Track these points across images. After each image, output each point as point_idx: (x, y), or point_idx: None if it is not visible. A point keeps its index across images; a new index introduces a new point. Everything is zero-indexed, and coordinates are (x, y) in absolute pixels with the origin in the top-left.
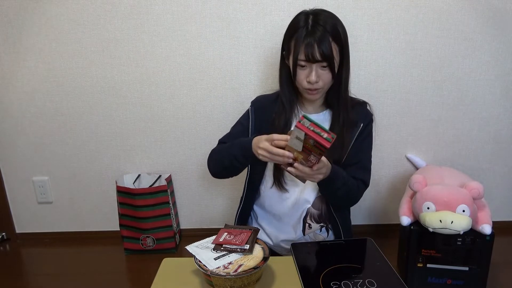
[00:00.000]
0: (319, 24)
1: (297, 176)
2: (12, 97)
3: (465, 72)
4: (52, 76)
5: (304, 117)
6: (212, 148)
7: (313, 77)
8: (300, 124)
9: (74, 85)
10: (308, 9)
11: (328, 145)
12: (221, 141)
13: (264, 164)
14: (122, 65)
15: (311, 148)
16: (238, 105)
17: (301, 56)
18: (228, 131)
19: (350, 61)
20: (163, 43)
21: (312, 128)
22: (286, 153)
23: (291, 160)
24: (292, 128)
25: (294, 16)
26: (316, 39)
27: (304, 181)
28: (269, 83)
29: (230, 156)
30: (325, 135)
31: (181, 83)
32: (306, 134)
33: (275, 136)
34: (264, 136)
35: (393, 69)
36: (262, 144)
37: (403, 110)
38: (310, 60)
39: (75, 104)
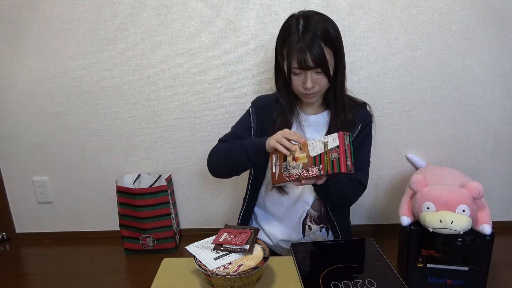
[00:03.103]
0: (309, 30)
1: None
2: (12, 97)
3: (465, 72)
4: (52, 76)
5: (350, 135)
6: (214, 146)
7: (308, 84)
8: (342, 135)
9: (74, 85)
10: (298, 12)
11: (344, 171)
12: (222, 140)
13: (266, 164)
14: (122, 65)
15: (325, 161)
16: (238, 105)
17: (294, 64)
18: (229, 130)
19: (351, 61)
20: (163, 43)
21: (346, 148)
22: (294, 147)
23: (289, 154)
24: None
25: (285, 20)
26: (308, 46)
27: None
28: (269, 83)
29: (239, 153)
30: (349, 162)
31: (181, 83)
32: (337, 147)
33: (292, 136)
34: (287, 130)
35: (393, 69)
36: (284, 131)
37: (403, 110)
38: (304, 67)
39: (75, 104)
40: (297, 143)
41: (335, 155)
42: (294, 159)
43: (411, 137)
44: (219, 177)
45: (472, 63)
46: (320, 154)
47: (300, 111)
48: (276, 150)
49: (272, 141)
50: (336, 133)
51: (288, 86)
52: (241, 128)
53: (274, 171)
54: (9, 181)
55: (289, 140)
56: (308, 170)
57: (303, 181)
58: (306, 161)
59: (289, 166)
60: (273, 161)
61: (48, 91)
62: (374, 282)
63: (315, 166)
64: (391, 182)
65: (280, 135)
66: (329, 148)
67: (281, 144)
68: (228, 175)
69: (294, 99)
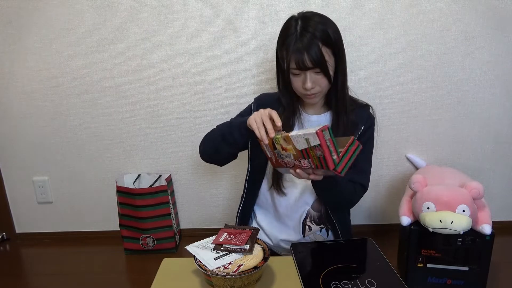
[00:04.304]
0: (308, 30)
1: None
2: (12, 97)
3: (465, 72)
4: (52, 76)
5: (328, 129)
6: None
7: (308, 84)
8: (320, 133)
9: (74, 85)
10: (298, 13)
11: (331, 167)
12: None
13: (265, 163)
14: (122, 65)
15: (312, 156)
16: (238, 105)
17: (292, 65)
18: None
19: (351, 61)
20: (163, 43)
21: (328, 144)
22: (270, 134)
23: (267, 141)
24: (297, 129)
25: (285, 21)
26: (305, 46)
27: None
28: (269, 83)
29: (224, 129)
30: (335, 157)
31: (181, 83)
32: (319, 145)
33: (274, 114)
34: (268, 109)
35: (393, 69)
36: (262, 110)
37: (403, 110)
38: (302, 68)
39: (75, 104)
40: (280, 133)
41: (319, 152)
42: (283, 148)
43: (411, 137)
44: (208, 161)
45: (472, 63)
46: (306, 149)
47: (302, 111)
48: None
49: (251, 119)
50: (314, 132)
51: (290, 86)
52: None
53: (269, 156)
54: (9, 181)
55: (273, 120)
56: (300, 162)
57: (297, 171)
58: (295, 153)
59: (282, 154)
60: (264, 148)
61: (48, 91)
62: (374, 282)
63: (304, 159)
64: (391, 182)
65: (259, 115)
66: (312, 145)
67: (257, 126)
68: (216, 158)
69: (296, 99)
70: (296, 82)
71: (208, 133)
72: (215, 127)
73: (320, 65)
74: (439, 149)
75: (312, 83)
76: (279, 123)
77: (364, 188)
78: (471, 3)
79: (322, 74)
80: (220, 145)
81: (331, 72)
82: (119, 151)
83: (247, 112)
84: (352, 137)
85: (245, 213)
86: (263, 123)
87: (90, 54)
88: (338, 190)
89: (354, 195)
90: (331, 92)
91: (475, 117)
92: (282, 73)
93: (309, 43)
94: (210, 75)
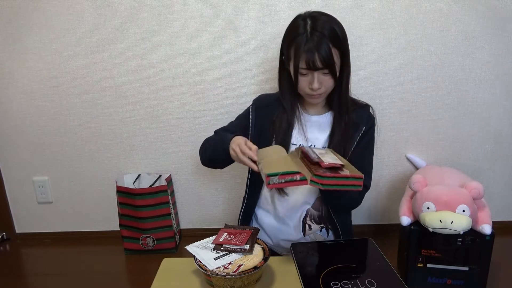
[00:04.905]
0: (318, 30)
1: None
2: (12, 97)
3: (465, 72)
4: (52, 76)
5: (268, 175)
6: (206, 138)
7: (315, 85)
8: (270, 186)
9: (74, 85)
10: (305, 13)
11: (307, 183)
12: (216, 132)
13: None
14: (122, 65)
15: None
16: (238, 105)
17: (302, 65)
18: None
19: (351, 61)
20: (163, 43)
21: (283, 180)
22: (254, 166)
23: (256, 168)
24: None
25: (291, 20)
26: (316, 46)
27: None
28: (270, 83)
29: (213, 147)
30: (298, 177)
31: (181, 83)
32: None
33: (245, 149)
34: (243, 139)
35: (393, 69)
36: (236, 148)
37: (403, 110)
38: (311, 68)
39: (75, 104)
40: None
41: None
42: None
43: (411, 137)
44: (209, 167)
45: (472, 63)
46: None
47: (303, 111)
48: None
49: (235, 158)
50: (266, 186)
51: (292, 86)
52: (235, 123)
53: None
54: (9, 181)
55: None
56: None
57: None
58: None
59: None
60: None
61: (48, 91)
62: (374, 282)
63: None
64: (391, 182)
65: (236, 156)
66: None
67: (246, 164)
68: (213, 167)
69: (296, 99)
70: (303, 82)
71: (203, 143)
72: (212, 134)
73: (329, 66)
74: (439, 149)
75: (319, 83)
76: (254, 157)
77: (367, 188)
78: (471, 3)
79: (330, 75)
80: (213, 158)
81: (337, 73)
82: (119, 151)
83: (246, 116)
84: (362, 175)
85: (247, 215)
86: (240, 159)
87: (90, 54)
88: (342, 191)
89: (358, 197)
90: (333, 93)
91: (475, 117)
92: (287, 73)
93: (320, 43)
94: (210, 75)
